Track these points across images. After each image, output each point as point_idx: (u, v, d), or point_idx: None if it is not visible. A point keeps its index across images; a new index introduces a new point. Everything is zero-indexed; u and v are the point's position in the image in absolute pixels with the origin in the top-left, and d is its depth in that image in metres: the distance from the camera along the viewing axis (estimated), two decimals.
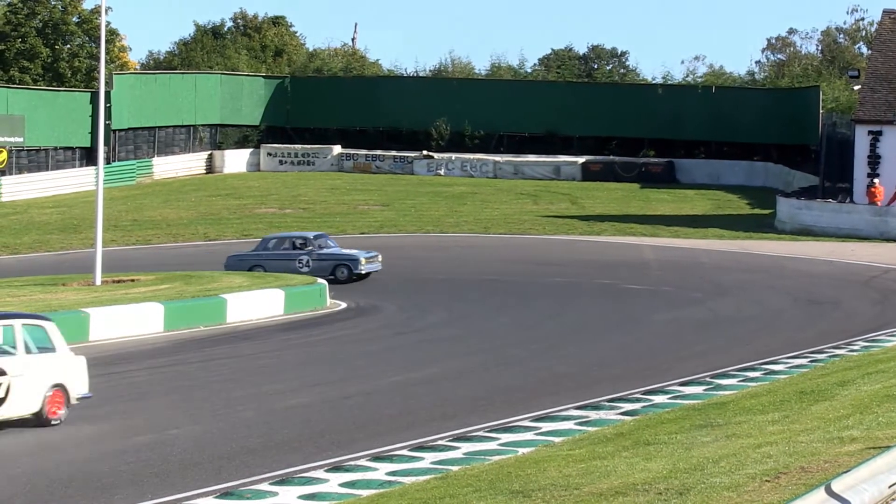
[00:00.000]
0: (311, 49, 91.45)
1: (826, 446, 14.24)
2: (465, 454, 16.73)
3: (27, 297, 31.73)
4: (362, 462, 16.46)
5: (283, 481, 15.56)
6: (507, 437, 17.75)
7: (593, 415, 19.32)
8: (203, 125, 72.32)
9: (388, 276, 38.79)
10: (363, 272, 38.09)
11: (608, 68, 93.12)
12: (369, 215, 55.92)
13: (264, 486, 15.35)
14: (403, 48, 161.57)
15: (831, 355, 24.50)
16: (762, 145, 67.41)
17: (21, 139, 62.77)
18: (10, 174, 63.17)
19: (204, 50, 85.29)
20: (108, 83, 63.39)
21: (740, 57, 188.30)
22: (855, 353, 24.54)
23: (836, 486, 10.69)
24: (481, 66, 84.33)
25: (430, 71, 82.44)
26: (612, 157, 68.55)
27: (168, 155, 70.54)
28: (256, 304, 32.16)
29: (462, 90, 73.16)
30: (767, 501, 11.77)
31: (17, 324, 19.12)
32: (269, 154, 71.87)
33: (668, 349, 26.56)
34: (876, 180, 49.80)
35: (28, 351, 18.97)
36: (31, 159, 64.68)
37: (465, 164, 68.95)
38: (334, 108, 72.70)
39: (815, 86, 66.15)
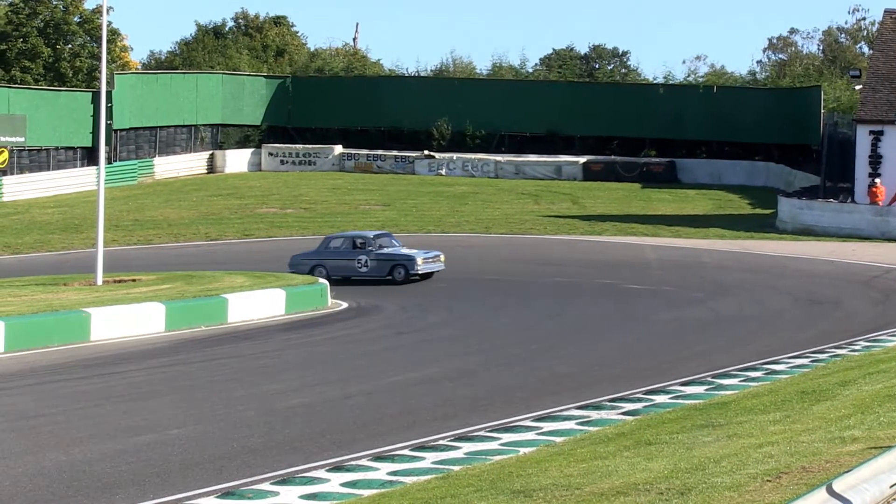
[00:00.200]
0: (312, 49, 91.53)
1: (827, 446, 14.23)
2: (466, 454, 16.73)
3: (28, 297, 31.74)
4: (363, 462, 16.46)
5: (284, 481, 15.56)
6: (508, 437, 17.75)
7: (594, 414, 19.32)
8: (204, 125, 72.35)
9: None
10: (420, 272, 37.43)
11: (609, 68, 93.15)
12: (370, 215, 55.92)
13: (265, 486, 15.35)
14: (405, 48, 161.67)
15: (833, 355, 24.49)
16: (763, 145, 67.41)
17: (22, 139, 62.80)
18: (12, 174, 63.22)
19: (205, 50, 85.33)
20: (110, 83, 63.41)
21: (742, 57, 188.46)
22: (856, 353, 24.53)
23: (838, 485, 10.68)
24: (482, 65, 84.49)
25: (432, 71, 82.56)
26: (613, 156, 68.56)
27: (169, 155, 70.57)
28: (257, 303, 32.16)
29: (463, 90, 73.18)
30: (769, 501, 11.77)
31: None
32: (271, 154, 71.89)
33: (670, 349, 26.56)
34: (877, 180, 49.79)
35: None
36: (32, 159, 64.71)
37: (467, 163, 68.96)
38: (336, 107, 72.74)
39: (816, 86, 66.15)
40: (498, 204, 58.54)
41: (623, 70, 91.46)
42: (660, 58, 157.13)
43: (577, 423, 18.56)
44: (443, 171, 68.86)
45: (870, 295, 34.25)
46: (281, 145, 72.26)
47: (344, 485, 15.27)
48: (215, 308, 31.17)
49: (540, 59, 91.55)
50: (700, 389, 21.25)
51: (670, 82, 75.84)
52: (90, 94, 66.93)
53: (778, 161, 65.57)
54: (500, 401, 20.77)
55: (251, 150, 72.43)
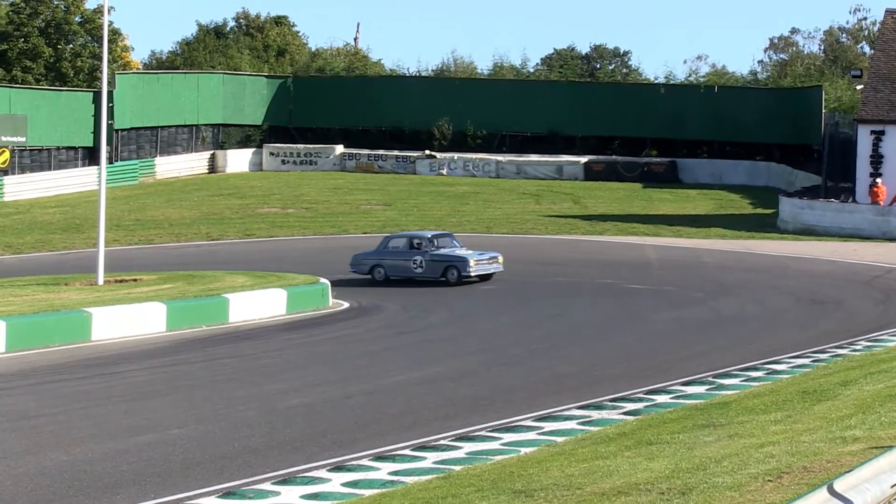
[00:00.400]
0: (313, 49, 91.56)
1: (828, 446, 14.23)
2: (467, 454, 16.73)
3: (30, 297, 31.75)
4: (364, 462, 16.46)
5: (285, 481, 15.56)
6: (509, 437, 17.75)
7: (596, 414, 19.31)
8: (205, 125, 72.36)
9: None
10: (472, 274, 36.88)
11: (611, 68, 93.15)
12: (372, 215, 55.93)
13: (266, 486, 15.35)
14: (406, 48, 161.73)
15: (834, 355, 24.48)
16: (764, 145, 67.40)
17: (24, 139, 62.82)
18: (13, 174, 63.22)
19: (206, 50, 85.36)
20: (111, 83, 63.41)
21: (743, 57, 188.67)
22: (857, 353, 24.52)
23: (839, 485, 10.68)
24: (484, 65, 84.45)
25: (433, 71, 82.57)
26: (614, 156, 68.56)
27: (170, 155, 70.58)
28: (259, 303, 32.15)
29: (464, 90, 73.18)
30: (770, 501, 11.77)
31: None
32: (272, 154, 71.90)
33: (671, 349, 26.55)
34: (878, 180, 49.78)
35: None
36: (33, 159, 64.72)
37: (468, 163, 68.95)
38: (337, 107, 72.76)
39: (817, 85, 66.14)
40: (499, 204, 58.54)
41: (624, 70, 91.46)
42: (661, 58, 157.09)
43: (579, 423, 18.56)
44: (444, 171, 68.86)
45: (871, 295, 34.24)
46: (282, 145, 72.27)
47: (345, 484, 15.27)
48: (216, 308, 31.17)
49: (541, 59, 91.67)
50: (701, 389, 21.24)
51: (671, 82, 75.85)
52: (91, 93, 66.94)
53: (779, 161, 65.57)
54: (501, 401, 20.77)
55: (252, 149, 72.44)
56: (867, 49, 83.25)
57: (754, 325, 29.78)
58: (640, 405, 19.96)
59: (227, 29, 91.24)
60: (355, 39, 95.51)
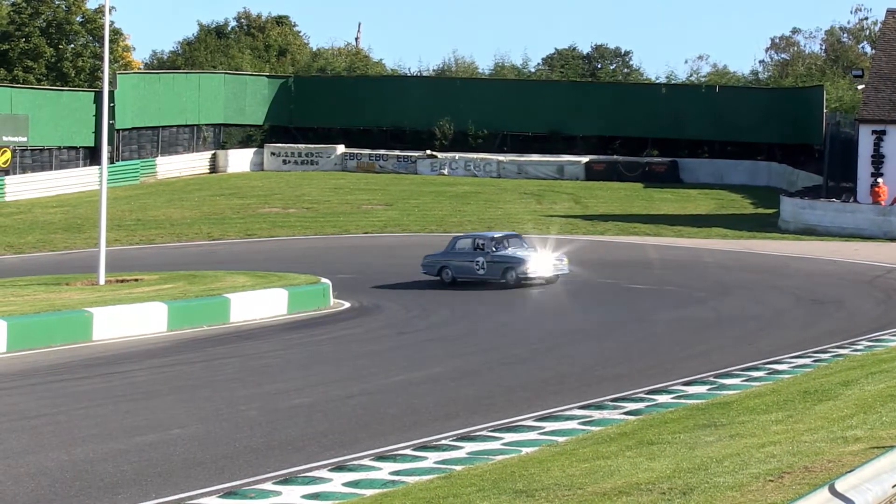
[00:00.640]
0: (314, 49, 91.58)
1: (830, 446, 14.23)
2: (468, 454, 16.72)
3: (31, 297, 31.76)
4: (366, 461, 16.46)
5: (286, 481, 15.56)
6: (510, 437, 17.74)
7: (597, 414, 19.31)
8: (207, 125, 72.37)
9: (391, 275, 38.80)
10: (531, 276, 36.24)
11: (612, 68, 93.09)
12: (373, 215, 55.93)
13: (268, 486, 15.35)
14: (407, 48, 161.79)
15: (835, 355, 24.47)
16: (766, 145, 67.40)
17: (25, 139, 62.83)
18: (14, 174, 63.24)
19: (207, 49, 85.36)
20: (112, 83, 63.41)
21: (744, 56, 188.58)
22: (859, 353, 24.51)
23: (840, 485, 10.68)
24: (485, 65, 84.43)
25: (434, 70, 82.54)
26: (615, 156, 68.55)
27: (172, 154, 70.60)
28: (260, 303, 32.16)
29: (465, 90, 73.18)
30: (771, 501, 11.77)
31: None
32: (273, 154, 71.90)
33: (672, 349, 26.54)
34: (880, 180, 49.77)
35: None
36: (34, 159, 64.74)
37: (469, 163, 68.95)
38: (338, 107, 72.76)
39: (818, 85, 66.15)
40: (500, 204, 58.53)
41: (625, 70, 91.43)
42: (662, 57, 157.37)
43: (580, 423, 18.55)
44: (445, 171, 68.86)
45: (872, 295, 34.23)
46: (283, 145, 72.27)
47: (346, 484, 15.27)
48: (217, 308, 31.17)
49: (542, 59, 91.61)
50: (702, 389, 21.24)
51: (672, 82, 75.83)
52: (92, 93, 66.94)
53: (780, 161, 65.56)
54: (503, 400, 20.76)
55: (253, 149, 72.44)
56: (868, 49, 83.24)
57: (755, 325, 29.76)
58: (641, 405, 19.95)
59: (229, 29, 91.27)
60: (356, 39, 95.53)
